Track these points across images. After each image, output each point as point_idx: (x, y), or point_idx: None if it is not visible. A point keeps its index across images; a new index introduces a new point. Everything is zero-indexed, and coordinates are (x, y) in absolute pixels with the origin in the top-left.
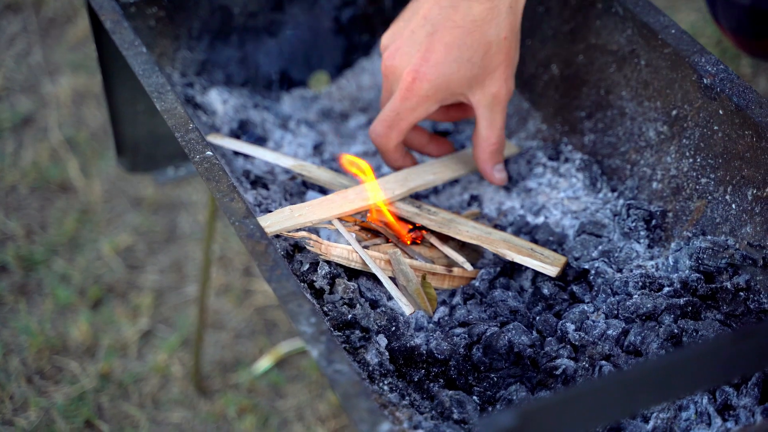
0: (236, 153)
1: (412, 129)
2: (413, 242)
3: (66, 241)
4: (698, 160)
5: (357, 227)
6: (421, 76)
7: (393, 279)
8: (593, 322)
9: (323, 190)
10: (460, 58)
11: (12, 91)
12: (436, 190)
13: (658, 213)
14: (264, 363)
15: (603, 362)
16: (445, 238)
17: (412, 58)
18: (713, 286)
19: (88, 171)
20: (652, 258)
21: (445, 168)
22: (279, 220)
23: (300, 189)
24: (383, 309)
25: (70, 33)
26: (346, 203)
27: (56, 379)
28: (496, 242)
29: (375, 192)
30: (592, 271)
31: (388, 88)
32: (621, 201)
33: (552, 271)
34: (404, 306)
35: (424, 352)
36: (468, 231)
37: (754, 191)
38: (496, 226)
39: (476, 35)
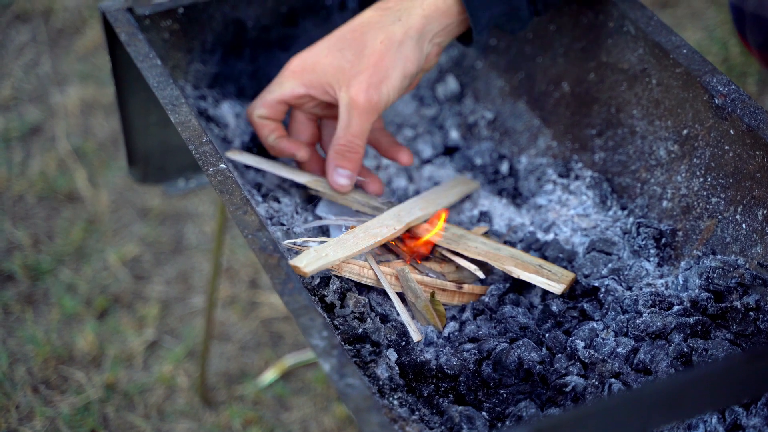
0: (247, 166)
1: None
2: (424, 257)
3: (73, 251)
4: (709, 179)
5: None
6: (295, 58)
7: (402, 295)
8: (603, 339)
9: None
10: (333, 47)
11: (20, 100)
12: None
13: (668, 232)
14: (269, 375)
15: (612, 380)
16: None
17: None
18: (723, 305)
19: (95, 181)
20: (661, 276)
21: (435, 200)
22: (312, 261)
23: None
24: (393, 323)
25: (79, 43)
26: (368, 237)
27: (62, 388)
28: (504, 259)
29: (395, 223)
30: (602, 289)
31: None
32: (631, 219)
33: (557, 288)
34: (413, 332)
35: (434, 367)
36: (477, 247)
37: (765, 211)
38: (505, 243)
39: (357, 34)
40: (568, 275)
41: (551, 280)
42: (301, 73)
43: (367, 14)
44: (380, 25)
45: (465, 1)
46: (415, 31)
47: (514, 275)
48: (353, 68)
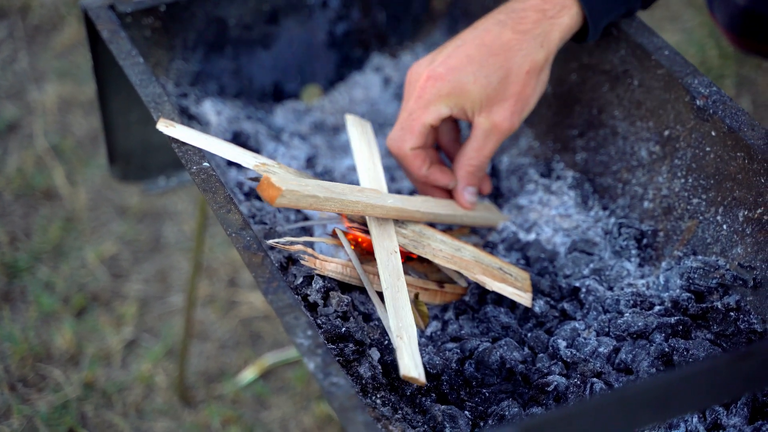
0: (229, 163)
1: (449, 139)
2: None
3: (50, 249)
4: (690, 180)
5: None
6: (436, 75)
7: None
8: (584, 339)
9: None
10: (478, 72)
11: None
12: None
13: (649, 232)
14: (249, 374)
15: (594, 379)
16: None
17: (434, 62)
18: (704, 305)
19: (73, 179)
20: (642, 277)
21: (448, 205)
22: (287, 179)
23: None
24: (376, 322)
25: (56, 40)
26: (348, 191)
27: (39, 386)
28: (470, 264)
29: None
30: (583, 289)
31: (408, 94)
32: (612, 219)
33: (527, 300)
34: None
35: None
36: (441, 249)
37: (746, 212)
38: (487, 244)
39: (500, 58)
40: (525, 277)
41: (518, 289)
42: (448, 97)
43: (506, 36)
44: (524, 53)
45: (590, 17)
46: (553, 55)
47: (487, 287)
48: (498, 95)
